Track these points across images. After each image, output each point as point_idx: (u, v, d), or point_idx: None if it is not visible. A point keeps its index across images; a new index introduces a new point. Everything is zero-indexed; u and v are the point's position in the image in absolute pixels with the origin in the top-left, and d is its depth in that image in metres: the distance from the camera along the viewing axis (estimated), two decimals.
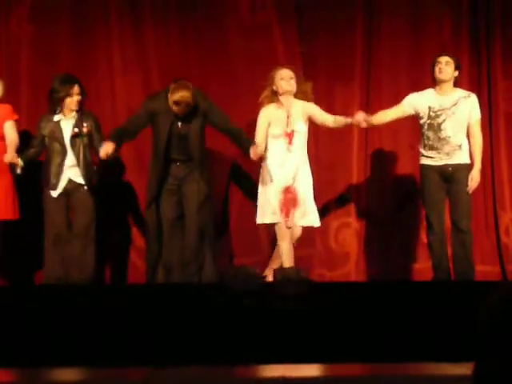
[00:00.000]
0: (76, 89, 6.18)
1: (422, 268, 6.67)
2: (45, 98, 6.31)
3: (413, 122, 6.58)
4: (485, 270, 6.70)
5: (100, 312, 5.17)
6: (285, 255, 5.90)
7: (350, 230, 6.92)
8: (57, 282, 6.13)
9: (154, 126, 6.23)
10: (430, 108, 6.02)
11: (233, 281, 5.52)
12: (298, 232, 6.02)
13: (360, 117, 6.01)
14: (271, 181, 5.93)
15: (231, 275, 5.70)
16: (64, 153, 6.19)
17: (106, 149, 5.94)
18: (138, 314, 5.18)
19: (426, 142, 6.04)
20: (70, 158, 6.20)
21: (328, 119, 6.06)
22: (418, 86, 6.34)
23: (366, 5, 6.98)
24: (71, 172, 6.22)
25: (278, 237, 5.94)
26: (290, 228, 5.91)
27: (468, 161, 6.06)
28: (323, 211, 6.77)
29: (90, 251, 6.22)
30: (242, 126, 6.42)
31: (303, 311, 5.19)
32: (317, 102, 6.44)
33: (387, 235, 6.93)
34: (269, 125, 5.98)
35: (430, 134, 6.01)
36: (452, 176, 6.03)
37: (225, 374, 4.71)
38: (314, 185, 6.00)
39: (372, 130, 6.83)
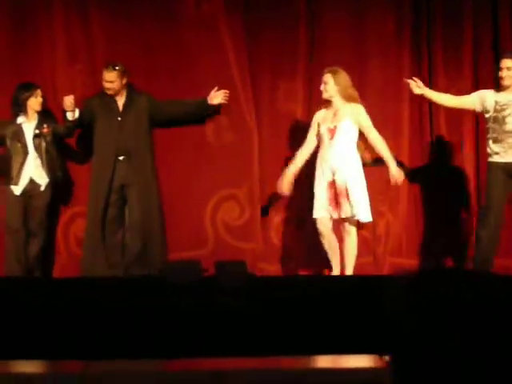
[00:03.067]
0: (40, 91, 6.43)
1: (363, 263, 6.73)
2: None
3: None
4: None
5: (35, 305, 5.15)
6: (329, 253, 6.27)
7: (291, 225, 6.94)
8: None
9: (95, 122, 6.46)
10: (496, 102, 6.24)
11: (172, 274, 5.52)
12: (347, 227, 6.17)
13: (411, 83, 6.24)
14: (318, 176, 6.21)
15: (171, 268, 5.70)
16: (25, 153, 6.36)
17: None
18: (74, 308, 5.16)
19: (491, 134, 6.24)
20: (32, 159, 6.37)
21: (374, 139, 6.26)
22: (361, 82, 6.38)
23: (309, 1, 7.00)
24: (33, 172, 6.38)
25: (319, 233, 6.24)
26: (339, 221, 6.18)
27: None
28: (266, 206, 6.84)
29: (36, 247, 6.47)
30: None
31: (242, 305, 5.20)
32: (262, 98, 6.51)
33: None
34: (318, 125, 6.25)
35: (496, 126, 6.23)
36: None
37: (158, 368, 4.71)
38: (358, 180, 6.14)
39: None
